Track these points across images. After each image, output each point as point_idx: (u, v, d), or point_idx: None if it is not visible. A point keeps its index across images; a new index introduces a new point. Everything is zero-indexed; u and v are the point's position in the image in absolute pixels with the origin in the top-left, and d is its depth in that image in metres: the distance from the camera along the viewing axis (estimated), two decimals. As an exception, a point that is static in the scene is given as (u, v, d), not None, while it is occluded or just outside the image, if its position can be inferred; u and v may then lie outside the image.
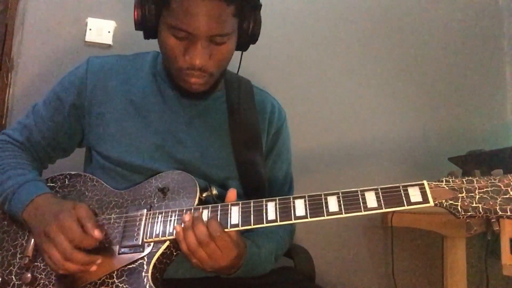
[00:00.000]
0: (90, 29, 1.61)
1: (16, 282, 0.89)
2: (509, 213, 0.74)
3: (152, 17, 0.94)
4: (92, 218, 0.85)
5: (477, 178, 0.78)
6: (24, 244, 0.93)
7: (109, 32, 1.61)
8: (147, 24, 0.95)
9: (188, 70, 0.94)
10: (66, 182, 1.02)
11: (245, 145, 1.05)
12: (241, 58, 1.06)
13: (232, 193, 0.89)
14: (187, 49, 0.92)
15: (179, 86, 1.01)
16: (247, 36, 0.99)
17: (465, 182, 0.79)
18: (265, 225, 0.83)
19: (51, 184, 1.01)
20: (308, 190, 0.86)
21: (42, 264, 0.90)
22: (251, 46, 1.04)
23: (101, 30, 1.61)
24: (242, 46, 1.01)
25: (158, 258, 0.87)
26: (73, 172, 1.03)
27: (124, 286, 0.84)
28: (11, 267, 0.91)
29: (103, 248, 0.87)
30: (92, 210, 0.90)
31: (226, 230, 0.84)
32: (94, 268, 0.84)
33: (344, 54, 1.82)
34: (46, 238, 0.83)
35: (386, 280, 1.73)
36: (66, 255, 0.81)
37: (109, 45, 1.62)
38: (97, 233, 0.83)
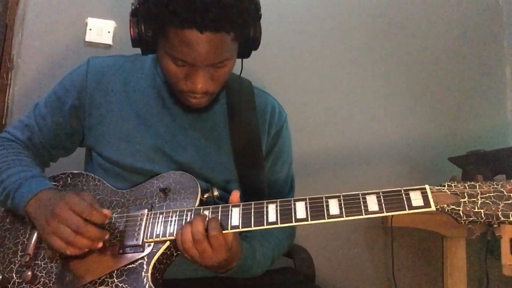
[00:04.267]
0: (90, 29, 1.60)
1: (16, 280, 0.89)
2: (511, 219, 0.73)
3: (149, 39, 0.91)
4: (96, 201, 0.87)
5: (480, 183, 0.78)
6: (26, 242, 0.93)
7: (109, 32, 1.61)
8: (144, 44, 0.93)
9: (190, 93, 0.94)
10: (68, 181, 1.02)
11: (245, 148, 1.05)
12: (241, 66, 1.06)
13: (235, 195, 0.89)
14: (188, 75, 0.91)
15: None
16: (249, 46, 0.96)
17: (467, 187, 0.78)
18: (265, 227, 0.83)
19: (54, 183, 1.01)
20: (309, 193, 0.86)
21: (42, 263, 0.90)
22: None
23: (101, 30, 1.61)
24: (244, 54, 0.99)
25: (158, 258, 0.87)
26: (75, 171, 1.04)
27: (124, 286, 0.84)
28: (12, 265, 0.91)
29: (104, 247, 0.87)
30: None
31: (226, 231, 0.84)
32: (100, 244, 0.85)
33: (344, 56, 1.82)
34: (53, 218, 0.83)
35: (386, 280, 1.74)
36: (79, 228, 0.81)
37: (109, 45, 1.62)
38: (106, 211, 0.84)
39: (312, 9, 1.80)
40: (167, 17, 0.83)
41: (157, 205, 0.93)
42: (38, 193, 0.91)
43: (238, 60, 1.02)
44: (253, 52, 1.00)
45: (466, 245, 1.48)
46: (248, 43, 0.95)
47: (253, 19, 0.93)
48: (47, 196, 0.90)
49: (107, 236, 0.85)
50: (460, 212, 0.77)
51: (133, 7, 0.91)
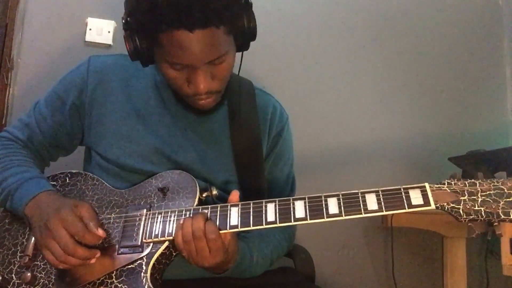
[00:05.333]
0: (90, 29, 1.61)
1: (16, 281, 0.89)
2: (511, 217, 0.73)
3: (145, 51, 0.91)
4: (94, 217, 0.85)
5: (480, 181, 0.77)
6: (25, 243, 0.93)
7: (109, 32, 1.62)
8: (142, 57, 0.92)
9: (195, 96, 0.94)
10: (67, 181, 1.02)
11: (246, 149, 1.05)
12: (241, 59, 1.06)
13: (234, 195, 0.89)
14: (189, 77, 0.91)
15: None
16: (246, 37, 0.95)
17: (467, 185, 0.78)
18: (264, 226, 0.83)
19: (52, 183, 1.01)
20: (308, 192, 0.86)
21: (42, 263, 0.90)
22: (252, 46, 1.01)
23: (101, 30, 1.61)
24: (243, 46, 0.98)
25: (157, 258, 0.87)
26: (74, 171, 1.04)
27: (123, 287, 0.84)
28: (11, 266, 0.91)
29: (103, 248, 0.87)
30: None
31: (224, 231, 0.84)
32: (93, 261, 0.84)
33: (344, 55, 1.82)
34: (47, 231, 0.83)
35: (386, 280, 1.74)
36: (68, 249, 0.81)
37: (109, 45, 1.62)
38: (100, 231, 0.83)
39: (311, 9, 1.80)
40: (155, 23, 0.83)
41: (155, 205, 0.93)
42: (36, 196, 0.90)
43: (237, 60, 1.02)
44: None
45: (466, 245, 1.48)
46: (244, 34, 0.94)
47: (243, 9, 0.91)
48: (45, 200, 0.90)
49: (98, 254, 0.84)
50: (460, 210, 0.76)
51: (123, 21, 0.90)
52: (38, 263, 0.90)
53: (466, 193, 0.77)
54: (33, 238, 0.91)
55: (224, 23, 0.86)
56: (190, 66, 0.88)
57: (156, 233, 0.87)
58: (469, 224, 0.76)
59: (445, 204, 0.77)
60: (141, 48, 0.90)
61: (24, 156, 1.02)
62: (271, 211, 0.84)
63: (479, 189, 0.76)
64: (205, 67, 0.89)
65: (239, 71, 1.07)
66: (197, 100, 0.95)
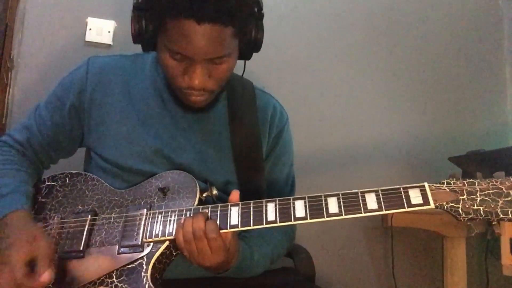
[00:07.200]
0: (90, 29, 1.61)
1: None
2: (510, 216, 0.73)
3: (149, 34, 0.91)
4: (48, 256, 0.81)
5: (479, 180, 0.78)
6: None
7: (109, 32, 1.62)
8: (145, 40, 0.93)
9: (188, 89, 0.93)
10: (67, 181, 1.02)
11: (246, 150, 1.05)
12: (244, 67, 1.06)
13: (234, 195, 0.89)
14: (186, 70, 0.91)
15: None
16: (250, 47, 0.96)
17: (466, 184, 0.78)
18: (264, 226, 0.83)
19: (52, 183, 1.01)
20: (308, 191, 0.86)
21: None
22: None
23: (101, 30, 1.61)
24: (245, 55, 0.99)
25: (158, 258, 0.87)
26: (74, 171, 1.04)
27: (124, 286, 0.84)
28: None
29: (103, 248, 0.88)
30: (92, 212, 0.89)
31: (224, 231, 0.84)
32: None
33: (345, 55, 1.82)
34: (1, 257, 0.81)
35: (386, 280, 1.74)
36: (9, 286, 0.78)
37: (109, 45, 1.62)
38: (45, 276, 0.79)
39: (311, 9, 1.80)
40: (166, 7, 0.84)
41: (156, 205, 0.93)
42: (5, 217, 0.87)
43: (240, 62, 1.02)
44: (255, 53, 1.00)
45: (466, 245, 1.48)
46: (250, 43, 0.95)
47: (254, 17, 0.93)
48: (11, 223, 0.86)
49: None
50: (459, 210, 0.77)
51: (134, 1, 0.91)
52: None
53: (465, 193, 0.77)
54: None
55: (233, 24, 0.87)
56: (190, 58, 0.89)
57: (157, 232, 0.88)
58: (468, 223, 0.76)
59: (444, 203, 0.78)
60: (145, 31, 0.91)
61: (15, 164, 1.00)
62: (271, 210, 0.84)
63: (478, 188, 0.77)
64: (205, 63, 0.90)
65: (242, 75, 1.06)
66: (188, 94, 0.95)
